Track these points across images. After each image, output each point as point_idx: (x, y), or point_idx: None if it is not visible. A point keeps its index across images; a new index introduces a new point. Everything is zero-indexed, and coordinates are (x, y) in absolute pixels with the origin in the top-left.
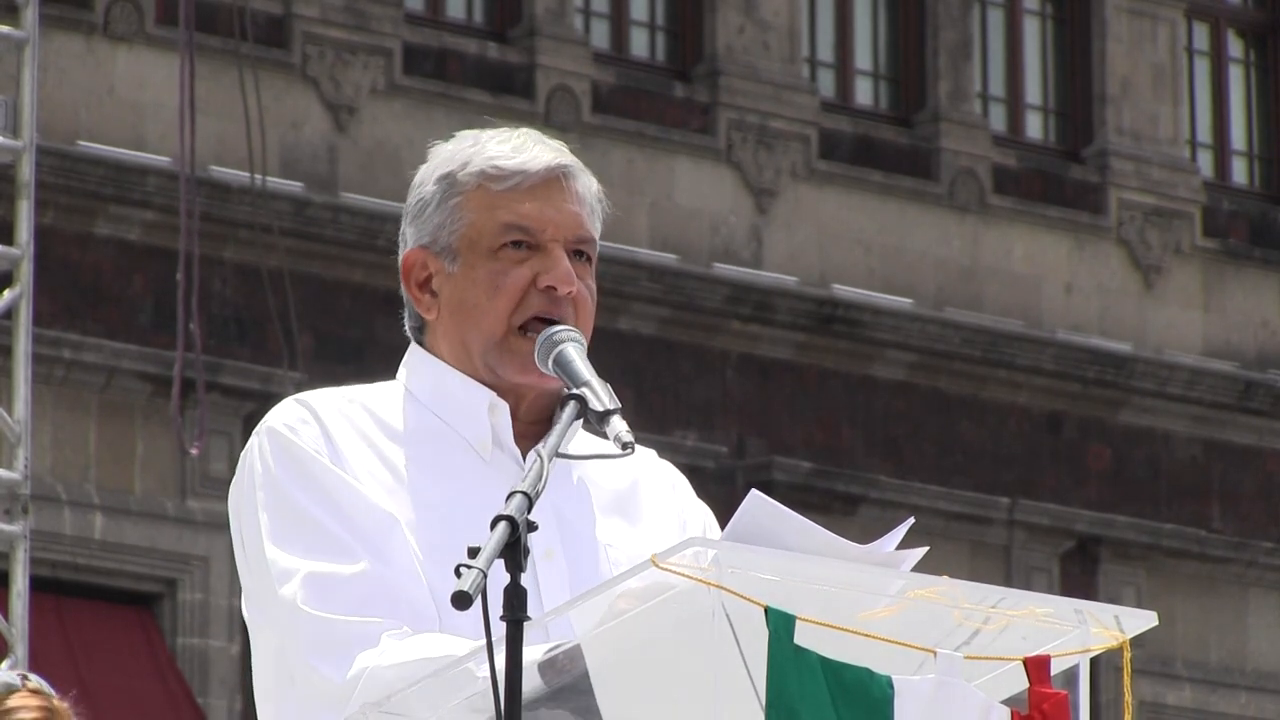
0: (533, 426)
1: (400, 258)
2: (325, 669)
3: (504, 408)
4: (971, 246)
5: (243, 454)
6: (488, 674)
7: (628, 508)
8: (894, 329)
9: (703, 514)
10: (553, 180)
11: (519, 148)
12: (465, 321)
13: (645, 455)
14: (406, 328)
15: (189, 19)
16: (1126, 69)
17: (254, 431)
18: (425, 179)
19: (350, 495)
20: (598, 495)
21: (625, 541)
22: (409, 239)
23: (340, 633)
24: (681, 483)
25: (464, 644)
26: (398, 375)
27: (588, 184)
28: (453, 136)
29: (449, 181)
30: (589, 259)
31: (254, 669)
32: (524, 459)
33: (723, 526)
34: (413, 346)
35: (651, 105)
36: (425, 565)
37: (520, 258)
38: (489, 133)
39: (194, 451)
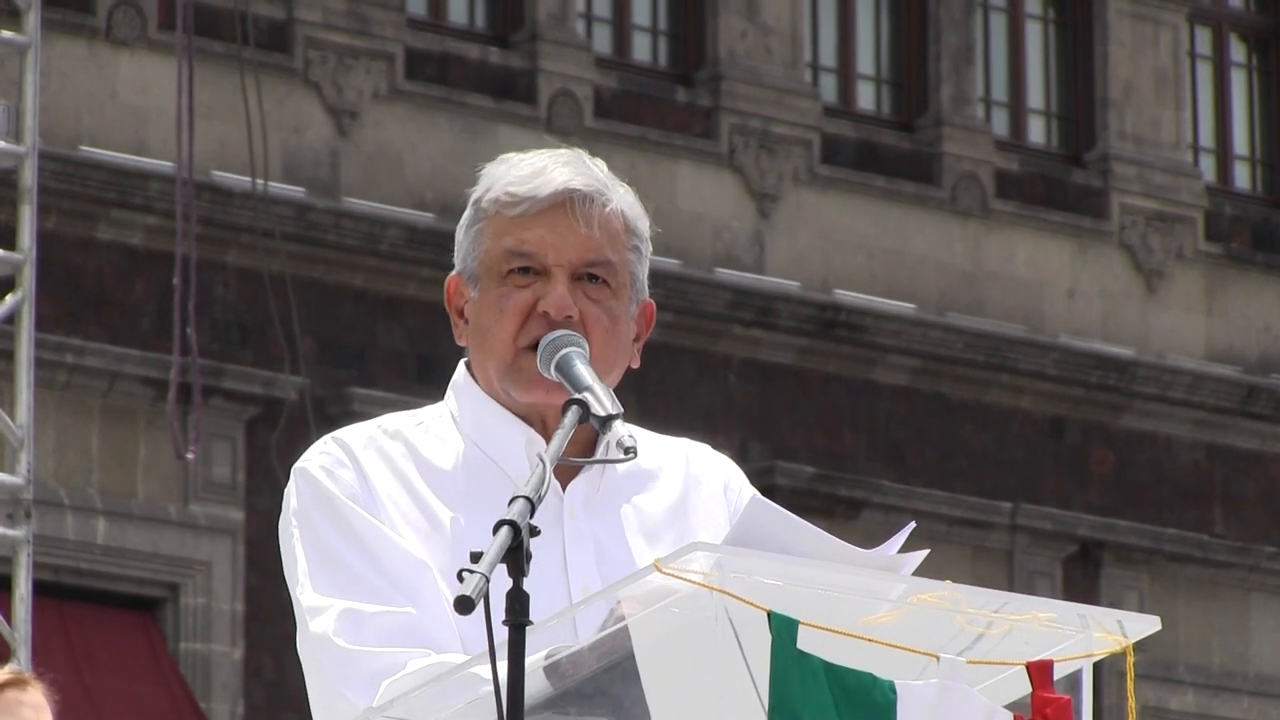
0: (576, 450)
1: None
2: (354, 697)
3: (541, 443)
4: (974, 251)
5: (285, 494)
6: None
7: (677, 526)
8: (896, 334)
9: None
10: (559, 205)
11: (538, 171)
12: (482, 346)
13: (698, 453)
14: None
15: (188, 24)
16: (1129, 73)
17: (292, 470)
18: (468, 204)
19: (384, 543)
20: (644, 521)
21: (662, 553)
22: (455, 262)
23: (370, 663)
24: (736, 477)
25: (463, 659)
26: (445, 397)
27: (605, 207)
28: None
29: (476, 209)
30: (605, 282)
31: (312, 702)
32: (564, 492)
33: None
34: (460, 370)
35: (653, 110)
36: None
37: (524, 283)
38: (519, 155)
39: (190, 456)
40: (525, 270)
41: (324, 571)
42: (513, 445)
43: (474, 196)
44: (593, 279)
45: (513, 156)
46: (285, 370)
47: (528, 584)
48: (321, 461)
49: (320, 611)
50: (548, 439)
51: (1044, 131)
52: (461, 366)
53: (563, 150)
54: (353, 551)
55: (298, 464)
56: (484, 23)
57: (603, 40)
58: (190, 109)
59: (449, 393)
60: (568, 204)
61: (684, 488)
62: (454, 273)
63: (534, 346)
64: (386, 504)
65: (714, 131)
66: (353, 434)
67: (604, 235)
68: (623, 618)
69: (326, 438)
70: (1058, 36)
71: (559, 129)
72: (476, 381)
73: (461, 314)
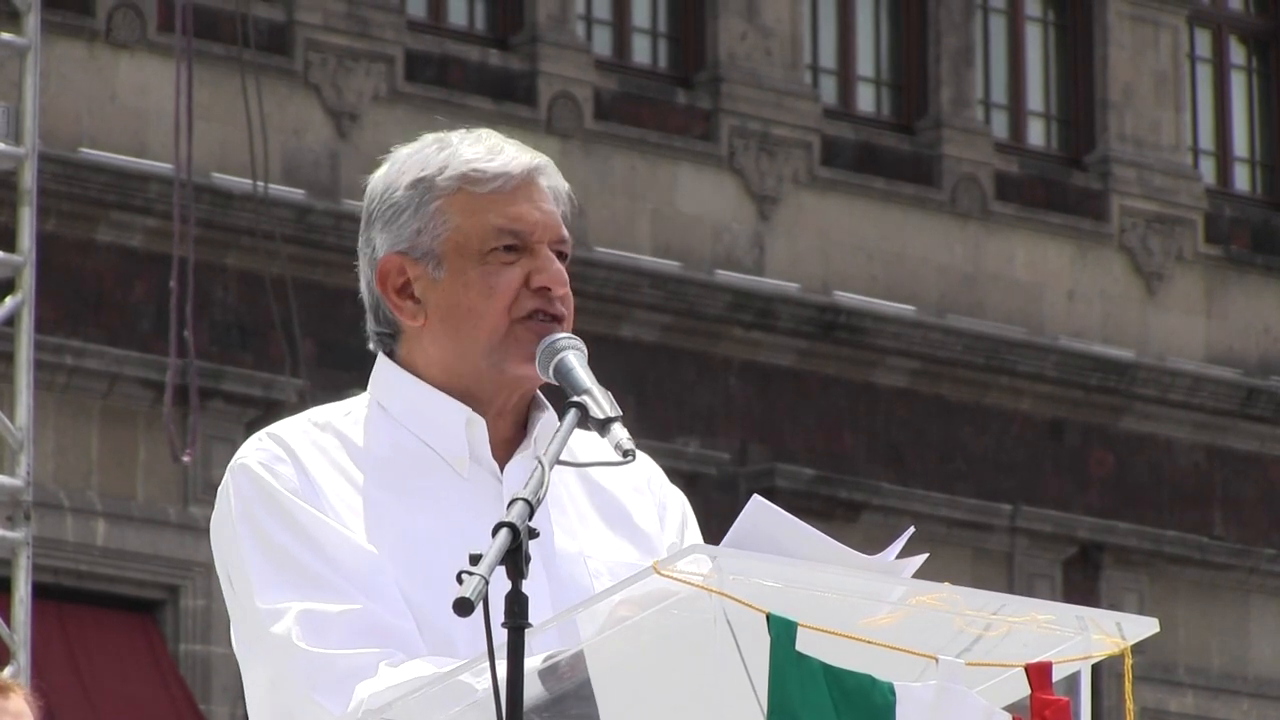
0: (511, 432)
1: (367, 264)
2: (327, 703)
3: (481, 423)
4: (973, 253)
5: (220, 490)
6: (485, 685)
7: (605, 513)
8: (896, 336)
9: (681, 504)
10: (532, 181)
11: (494, 150)
12: (461, 326)
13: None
14: (370, 336)
15: (187, 27)
16: (1129, 75)
17: (228, 469)
18: (392, 184)
19: (332, 536)
20: (574, 504)
21: (604, 551)
22: (379, 245)
23: (339, 666)
24: (657, 475)
25: (456, 662)
26: (368, 389)
27: (559, 184)
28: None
29: (425, 186)
30: (566, 258)
31: (248, 701)
32: (501, 471)
33: (725, 533)
34: (381, 361)
35: (653, 112)
36: (409, 592)
37: (510, 259)
38: (454, 135)
39: (186, 459)
40: (510, 248)
41: (275, 571)
42: (450, 426)
43: (414, 177)
44: (560, 255)
45: (440, 137)
46: (286, 372)
47: (462, 567)
48: (259, 457)
49: (279, 614)
50: (486, 419)
51: (1044, 134)
52: (382, 356)
53: (481, 129)
54: (303, 548)
55: (234, 461)
56: (484, 25)
57: (603, 42)
58: (189, 111)
59: (371, 383)
60: (538, 180)
61: (614, 481)
62: (390, 252)
63: (527, 317)
64: (330, 497)
65: (714, 134)
66: (286, 429)
67: (560, 212)
68: (622, 619)
69: (261, 433)
70: (1057, 39)
71: (559, 131)
72: (405, 368)
73: (403, 295)
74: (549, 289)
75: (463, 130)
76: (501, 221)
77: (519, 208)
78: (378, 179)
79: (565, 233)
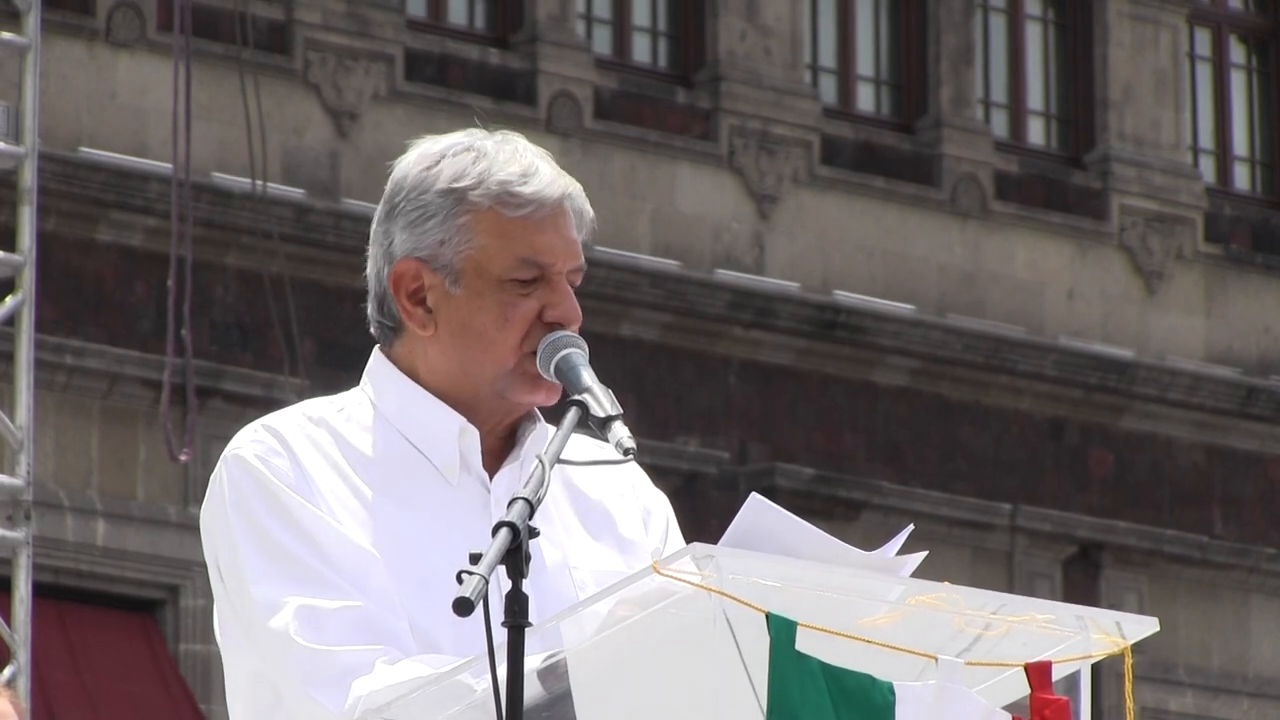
0: (500, 442)
1: (381, 254)
2: (324, 699)
3: (474, 433)
4: (973, 252)
5: (213, 479)
6: (483, 685)
7: (589, 520)
8: (896, 335)
9: (665, 509)
10: (562, 211)
11: (529, 172)
12: (471, 347)
13: (605, 454)
14: (373, 326)
15: (185, 26)
16: (1128, 74)
17: (222, 458)
18: (424, 185)
19: (328, 532)
20: (560, 512)
21: (589, 559)
22: (398, 244)
23: (336, 662)
24: (641, 480)
25: (454, 662)
26: (361, 385)
27: (585, 209)
28: (428, 137)
29: (456, 198)
30: (578, 281)
31: (228, 693)
32: (490, 480)
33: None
34: (378, 358)
35: (653, 111)
36: (398, 596)
37: (527, 290)
38: (487, 144)
39: (183, 458)
40: (529, 280)
41: (271, 564)
42: (443, 433)
43: (446, 185)
44: (575, 278)
45: (474, 145)
46: (285, 372)
47: (453, 571)
48: (255, 449)
49: (276, 608)
50: (479, 427)
51: (1044, 133)
52: (378, 354)
53: (513, 136)
54: (298, 542)
55: (229, 451)
56: (484, 24)
57: (602, 41)
58: (187, 111)
59: (365, 380)
60: (568, 209)
61: (599, 487)
62: (408, 257)
63: (535, 352)
64: (324, 492)
65: (714, 133)
66: (281, 421)
67: (581, 237)
68: (622, 618)
69: (256, 424)
70: (1057, 38)
71: (559, 130)
72: (403, 367)
73: (414, 301)
74: (561, 325)
75: (499, 136)
76: (526, 252)
77: (545, 238)
78: (409, 170)
79: (582, 260)
